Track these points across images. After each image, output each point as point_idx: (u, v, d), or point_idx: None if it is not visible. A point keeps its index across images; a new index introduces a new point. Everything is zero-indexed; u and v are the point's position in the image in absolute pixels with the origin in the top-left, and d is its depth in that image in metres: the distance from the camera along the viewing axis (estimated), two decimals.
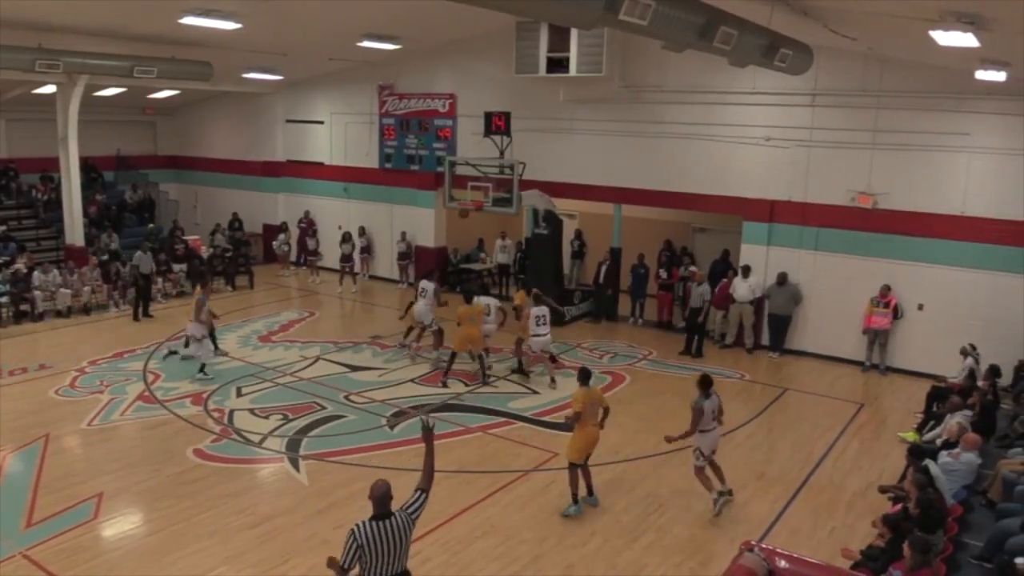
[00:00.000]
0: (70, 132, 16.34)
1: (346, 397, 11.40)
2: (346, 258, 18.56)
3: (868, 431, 10.84)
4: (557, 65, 14.41)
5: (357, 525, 4.81)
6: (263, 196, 21.45)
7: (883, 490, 8.26)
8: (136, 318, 15.50)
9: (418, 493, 5.09)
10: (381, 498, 4.88)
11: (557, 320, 13.90)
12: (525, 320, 12.09)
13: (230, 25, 12.74)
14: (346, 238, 18.75)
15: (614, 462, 9.36)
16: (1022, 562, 5.80)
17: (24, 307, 15.18)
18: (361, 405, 11.11)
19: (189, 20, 12.29)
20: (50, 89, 16.54)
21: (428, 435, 5.36)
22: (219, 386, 11.64)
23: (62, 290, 15.44)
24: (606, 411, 8.20)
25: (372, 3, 12.92)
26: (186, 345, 12.86)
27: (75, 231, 16.89)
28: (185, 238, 18.83)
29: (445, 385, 11.89)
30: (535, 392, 11.86)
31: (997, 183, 12.15)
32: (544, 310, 12.01)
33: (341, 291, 18.28)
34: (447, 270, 18.51)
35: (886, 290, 12.93)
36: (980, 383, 10.28)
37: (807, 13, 9.41)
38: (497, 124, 14.35)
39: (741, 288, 14.15)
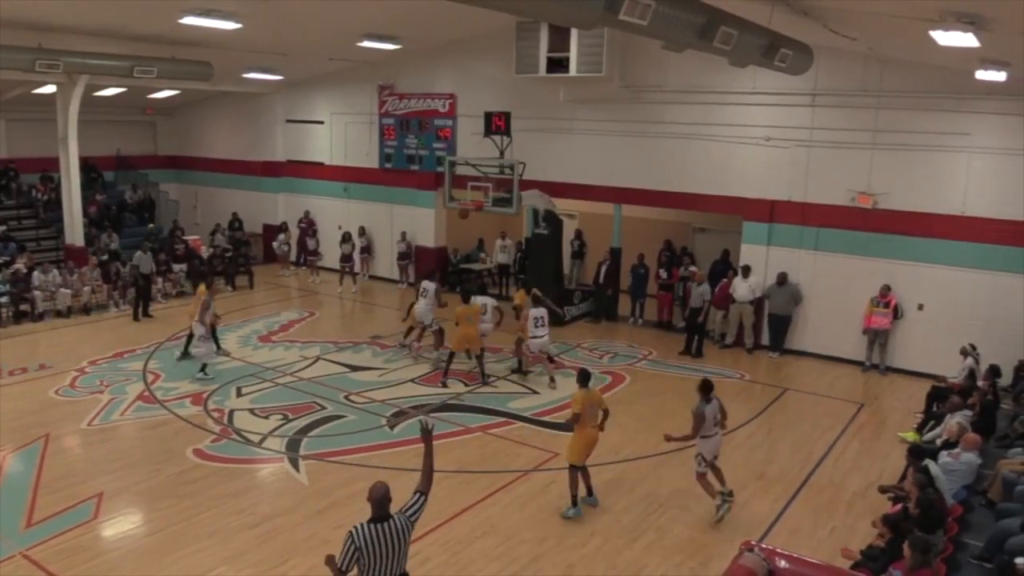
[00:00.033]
0: (70, 132, 16.34)
1: (346, 397, 11.40)
2: (346, 258, 18.56)
3: (868, 431, 10.84)
4: (557, 65, 14.41)
5: (355, 527, 4.78)
6: (263, 196, 21.45)
7: (883, 490, 8.26)
8: (136, 318, 15.50)
9: (417, 496, 5.06)
10: (380, 500, 4.84)
11: (556, 321, 13.91)
12: (524, 321, 12.09)
13: (230, 25, 12.74)
14: (346, 238, 18.75)
15: (614, 462, 9.36)
16: (1022, 562, 5.80)
17: (24, 307, 15.18)
18: (361, 405, 11.11)
19: (189, 20, 12.29)
20: (50, 89, 16.54)
21: (427, 437, 5.33)
22: (219, 386, 11.64)
23: (62, 290, 15.44)
24: (605, 413, 8.19)
25: (372, 3, 12.92)
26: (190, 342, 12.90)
27: (75, 231, 16.89)
28: (185, 238, 18.84)
29: (445, 385, 11.90)
30: (535, 392, 11.86)
31: (997, 183, 12.15)
32: (542, 311, 12.03)
33: (341, 291, 18.28)
34: (447, 270, 18.51)
35: (886, 290, 12.93)
36: (980, 383, 10.28)
37: (807, 13, 9.41)
38: (497, 124, 14.34)
39: (741, 288, 14.15)
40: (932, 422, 9.97)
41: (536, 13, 9.37)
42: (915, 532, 6.00)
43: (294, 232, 20.29)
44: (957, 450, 7.87)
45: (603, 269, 16.05)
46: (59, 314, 15.38)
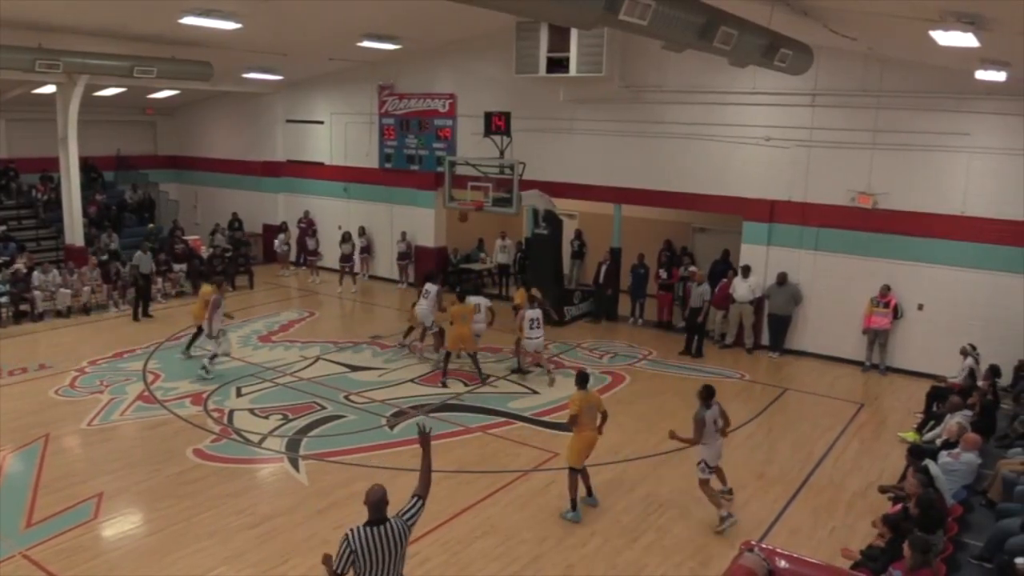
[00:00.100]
0: (70, 132, 16.34)
1: (346, 397, 11.40)
2: (346, 258, 18.57)
3: (868, 431, 10.84)
4: (557, 65, 14.41)
5: (351, 530, 4.75)
6: (263, 196, 21.45)
7: (883, 490, 8.26)
8: (136, 318, 15.50)
9: (415, 499, 5.00)
10: (376, 503, 4.80)
11: (548, 322, 13.90)
12: (520, 320, 12.15)
13: (230, 25, 12.73)
14: (346, 238, 18.75)
15: (614, 462, 9.36)
16: (1022, 562, 5.80)
17: (24, 307, 15.18)
18: (361, 405, 11.11)
19: (189, 20, 12.29)
20: (50, 89, 16.54)
21: (425, 439, 5.24)
22: (219, 386, 11.64)
23: (62, 290, 15.44)
24: (604, 416, 8.16)
25: (372, 3, 12.92)
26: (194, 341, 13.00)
27: (75, 231, 16.89)
28: (185, 238, 18.84)
29: (444, 385, 11.90)
30: (535, 392, 11.86)
31: (997, 183, 12.15)
32: (538, 312, 12.11)
33: (341, 291, 18.28)
34: (447, 270, 18.52)
35: (886, 290, 12.93)
36: (980, 383, 10.28)
37: (807, 13, 9.41)
38: (497, 124, 14.35)
39: (741, 288, 14.15)
40: (932, 422, 9.97)
41: (536, 13, 9.37)
42: (915, 532, 6.00)
43: (294, 232, 20.30)
44: (957, 450, 7.87)
45: (603, 269, 16.05)
46: (59, 314, 15.38)
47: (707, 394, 7.85)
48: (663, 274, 15.87)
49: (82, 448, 9.63)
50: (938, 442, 8.77)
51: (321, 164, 20.36)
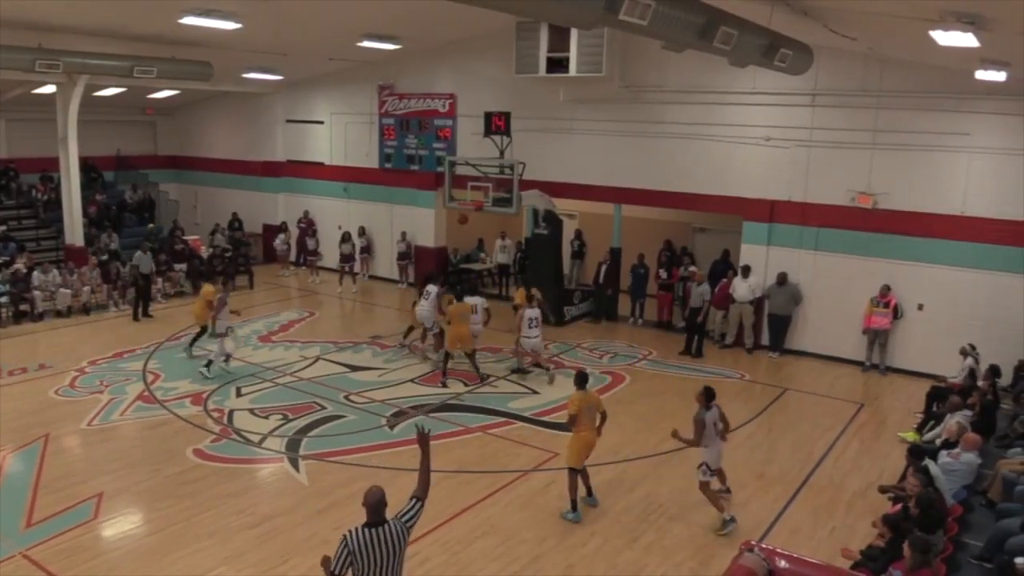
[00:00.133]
0: (70, 132, 16.34)
1: (346, 397, 11.39)
2: (346, 258, 18.57)
3: (868, 431, 10.84)
4: (557, 65, 14.40)
5: (349, 531, 4.74)
6: (263, 196, 21.45)
7: (883, 490, 8.25)
8: (136, 318, 15.50)
9: (413, 501, 4.98)
10: (375, 505, 4.78)
11: (548, 323, 13.96)
12: (519, 320, 12.18)
13: (230, 25, 12.73)
14: (346, 238, 18.75)
15: (614, 462, 9.36)
16: (1022, 562, 5.80)
17: (24, 307, 15.18)
18: (361, 405, 11.11)
19: (189, 20, 12.29)
20: (50, 89, 16.54)
21: (424, 440, 5.20)
22: (219, 386, 11.64)
23: (62, 290, 15.44)
24: (603, 416, 8.16)
25: (372, 3, 12.92)
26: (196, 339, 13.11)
27: (75, 231, 16.89)
28: (185, 238, 18.84)
29: (444, 385, 11.90)
30: (535, 392, 11.86)
31: (997, 183, 12.15)
32: (536, 312, 12.16)
33: (341, 291, 18.27)
34: (447, 270, 18.51)
35: (886, 290, 12.93)
36: (980, 383, 10.28)
37: (807, 13, 9.41)
38: (497, 124, 14.35)
39: (741, 288, 14.15)
40: (932, 422, 9.98)
41: (536, 13, 9.37)
42: (915, 532, 6.00)
43: (294, 232, 20.30)
44: (957, 450, 7.87)
45: (603, 269, 16.05)
46: (59, 314, 15.38)
47: (707, 396, 7.84)
48: (663, 274, 15.87)
49: (82, 448, 9.63)
50: (938, 442, 8.76)
51: (321, 164, 20.35)
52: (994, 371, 10.42)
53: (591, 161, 15.91)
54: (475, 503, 8.29)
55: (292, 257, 20.52)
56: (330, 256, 19.41)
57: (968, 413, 8.99)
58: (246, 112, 21.49)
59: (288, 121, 20.81)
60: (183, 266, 17.87)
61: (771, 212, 14.05)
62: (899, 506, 7.10)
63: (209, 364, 12.00)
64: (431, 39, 16.59)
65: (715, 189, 14.56)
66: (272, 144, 21.12)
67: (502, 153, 14.47)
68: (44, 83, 16.30)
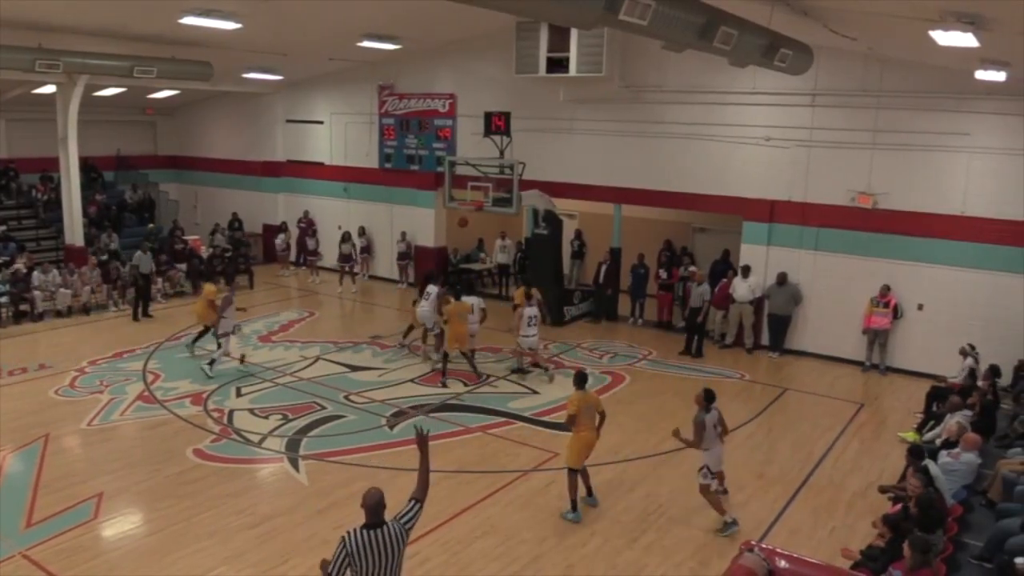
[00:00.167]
0: (70, 132, 16.34)
1: (346, 397, 11.39)
2: (346, 258, 18.56)
3: (868, 431, 10.84)
4: (557, 65, 14.40)
5: (348, 532, 4.73)
6: (263, 196, 21.45)
7: (883, 490, 8.25)
8: (136, 318, 15.50)
9: (412, 503, 4.96)
10: (374, 507, 4.76)
11: (547, 322, 13.98)
12: (518, 319, 12.20)
13: (230, 25, 12.73)
14: (346, 238, 18.75)
15: (614, 462, 9.36)
16: (1022, 562, 5.80)
17: (24, 307, 15.18)
18: (361, 405, 11.11)
19: (189, 20, 12.29)
20: (50, 89, 16.54)
21: (422, 442, 5.18)
22: (219, 386, 11.64)
23: (62, 290, 15.44)
24: (602, 416, 8.16)
25: (372, 3, 12.92)
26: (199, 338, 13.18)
27: (75, 231, 16.89)
28: (185, 238, 18.84)
29: (444, 385, 11.90)
30: (535, 392, 11.86)
31: (997, 183, 12.15)
32: (535, 311, 12.19)
33: (341, 291, 18.27)
34: (447, 270, 18.51)
35: (886, 290, 12.93)
36: (980, 383, 10.28)
37: (807, 13, 9.41)
38: (497, 124, 14.36)
39: (741, 288, 14.15)
40: (932, 422, 9.98)
41: (536, 13, 9.36)
42: (915, 532, 6.00)
43: (294, 232, 20.30)
44: (957, 450, 7.87)
45: (603, 269, 16.05)
46: (59, 314, 15.38)
47: (707, 398, 7.84)
48: (663, 274, 15.87)
49: (82, 448, 9.63)
50: (938, 442, 8.77)
51: (321, 164, 20.35)
52: (994, 371, 10.42)
53: (591, 161, 15.91)
54: (475, 503, 8.29)
55: (292, 257, 20.52)
56: (330, 256, 19.40)
57: (968, 413, 8.99)
58: (246, 112, 21.49)
59: (288, 121, 20.81)
60: (183, 266, 17.86)
61: (771, 212, 14.05)
62: (899, 506, 7.10)
63: (212, 363, 12.01)
64: (431, 39, 16.59)
65: (715, 189, 14.56)
66: (272, 144, 21.11)
67: (502, 153, 14.47)
68: (44, 83, 16.30)
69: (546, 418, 10.75)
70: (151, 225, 20.10)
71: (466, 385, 12.02)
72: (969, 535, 6.80)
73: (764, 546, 6.27)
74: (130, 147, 22.77)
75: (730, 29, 7.95)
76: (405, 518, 4.90)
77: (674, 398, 11.52)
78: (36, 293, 15.21)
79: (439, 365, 12.32)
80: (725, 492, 8.35)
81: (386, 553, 4.72)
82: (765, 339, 14.36)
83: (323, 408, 10.90)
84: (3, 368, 12.21)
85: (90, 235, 17.66)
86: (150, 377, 12.06)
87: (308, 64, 18.18)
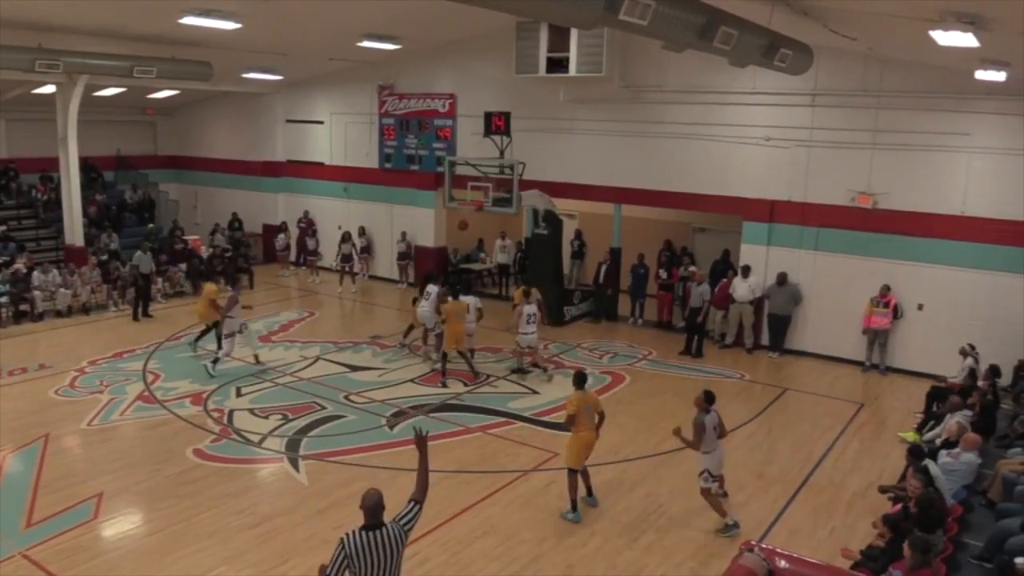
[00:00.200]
0: (70, 132, 16.34)
1: (346, 397, 11.39)
2: (346, 258, 18.56)
3: (868, 431, 10.83)
4: (557, 65, 14.40)
5: (347, 534, 4.72)
6: (263, 196, 21.45)
7: (883, 490, 8.26)
8: (136, 318, 15.50)
9: (412, 504, 4.95)
10: (372, 508, 4.76)
11: (545, 322, 13.98)
12: (517, 317, 12.21)
13: (230, 25, 12.73)
14: (346, 238, 18.75)
15: (614, 462, 9.36)
16: (1022, 562, 5.80)
17: (24, 307, 15.18)
18: (361, 405, 11.11)
19: (189, 20, 12.29)
20: (50, 89, 16.54)
21: (421, 443, 5.17)
22: (219, 386, 11.64)
23: (62, 290, 15.44)
24: (601, 416, 8.15)
25: (372, 3, 12.92)
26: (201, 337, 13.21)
27: (75, 231, 16.89)
28: (185, 238, 18.84)
29: (444, 385, 11.90)
30: (535, 392, 11.86)
31: (997, 183, 12.15)
32: (534, 308, 12.22)
33: (341, 291, 18.27)
34: (447, 270, 18.51)
35: (886, 290, 12.93)
36: (980, 383, 10.28)
37: (807, 13, 9.41)
38: (497, 124, 14.36)
39: (741, 288, 14.15)
40: (932, 422, 9.98)
41: (536, 13, 9.36)
42: (915, 532, 6.00)
43: (294, 232, 20.30)
44: (957, 450, 7.87)
45: (603, 269, 16.05)
46: (59, 314, 15.38)
47: (707, 399, 7.83)
48: (663, 274, 15.87)
49: (82, 448, 9.63)
50: (938, 442, 8.77)
51: (321, 164, 20.35)
52: (994, 371, 10.42)
53: (591, 161, 15.91)
54: (475, 503, 8.29)
55: (292, 257, 20.52)
56: (330, 256, 19.40)
57: (968, 413, 8.99)
58: (246, 112, 21.49)
59: (288, 121, 20.81)
60: (183, 266, 17.86)
61: (771, 212, 14.05)
62: (899, 506, 7.10)
63: (216, 361, 12.01)
64: (431, 39, 16.59)
65: (715, 189, 14.56)
66: (272, 144, 21.11)
67: (502, 153, 14.47)
68: (44, 83, 16.30)
69: (546, 418, 10.75)
70: (151, 225, 20.10)
71: (466, 385, 12.02)
72: (969, 535, 6.80)
73: (764, 546, 6.27)
74: (130, 147, 22.77)
75: (730, 29, 7.95)
76: (404, 519, 4.89)
77: (674, 398, 11.52)
78: (36, 293, 15.21)
79: (438, 365, 12.33)
80: (725, 495, 8.35)
81: (385, 555, 4.71)
82: (765, 339, 14.36)
83: (323, 408, 10.90)
84: (3, 368, 12.21)
85: (90, 235, 17.66)
86: (150, 377, 12.06)
87: (308, 64, 18.18)
